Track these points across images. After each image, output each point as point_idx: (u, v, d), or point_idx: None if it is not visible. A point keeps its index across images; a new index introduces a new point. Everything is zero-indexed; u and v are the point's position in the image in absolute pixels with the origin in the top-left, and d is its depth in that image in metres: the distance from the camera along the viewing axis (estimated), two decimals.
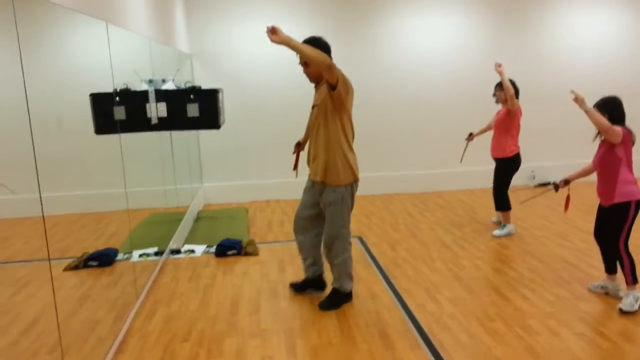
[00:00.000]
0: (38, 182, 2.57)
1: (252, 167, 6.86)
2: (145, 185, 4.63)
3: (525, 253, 4.55)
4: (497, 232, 5.04)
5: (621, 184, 3.41)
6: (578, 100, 3.41)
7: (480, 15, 6.87)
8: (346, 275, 3.58)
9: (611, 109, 3.40)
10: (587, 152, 7.15)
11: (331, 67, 3.10)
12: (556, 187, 3.91)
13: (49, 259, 2.87)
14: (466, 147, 5.46)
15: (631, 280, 3.40)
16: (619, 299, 3.48)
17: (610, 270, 3.59)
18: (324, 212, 3.51)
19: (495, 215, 5.46)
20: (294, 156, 3.93)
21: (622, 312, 3.34)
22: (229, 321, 3.44)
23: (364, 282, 4.02)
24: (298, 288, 3.84)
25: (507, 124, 4.92)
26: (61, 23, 2.96)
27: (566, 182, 3.83)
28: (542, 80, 6.97)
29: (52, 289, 2.86)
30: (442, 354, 2.96)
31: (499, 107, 5.14)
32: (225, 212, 6.35)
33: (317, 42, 3.27)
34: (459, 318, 3.39)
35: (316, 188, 3.51)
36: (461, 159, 5.52)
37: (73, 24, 3.09)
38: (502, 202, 5.07)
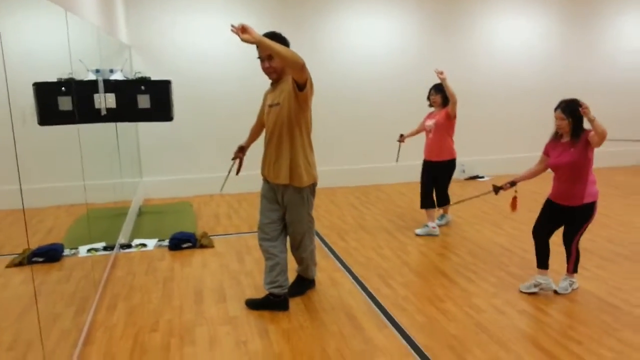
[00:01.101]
0: None
1: (194, 161, 6.78)
2: (82, 179, 4.46)
3: (465, 240, 4.91)
4: (420, 231, 5.13)
5: (590, 185, 3.51)
6: (586, 111, 3.32)
7: (416, 18, 7.25)
8: (312, 263, 3.69)
9: (576, 110, 3.43)
10: (511, 147, 7.85)
11: (304, 67, 2.99)
12: (496, 191, 3.89)
13: None
14: (399, 147, 5.55)
15: (572, 270, 3.73)
16: (553, 291, 3.69)
17: (544, 265, 3.71)
18: (287, 212, 3.43)
19: (430, 218, 5.23)
20: (234, 162, 3.77)
21: (557, 294, 3.68)
22: (195, 311, 3.45)
23: (324, 270, 4.16)
24: (295, 293, 3.69)
25: (447, 127, 5.04)
26: (13, 5, 2.82)
27: (512, 183, 3.81)
28: (471, 80, 7.49)
29: None
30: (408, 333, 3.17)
31: (430, 108, 5.28)
32: (169, 207, 6.23)
33: (279, 38, 3.17)
34: (413, 300, 3.62)
35: (277, 190, 3.40)
36: (397, 159, 5.63)
37: (26, 8, 2.94)
38: (445, 199, 5.26)
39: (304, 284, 3.75)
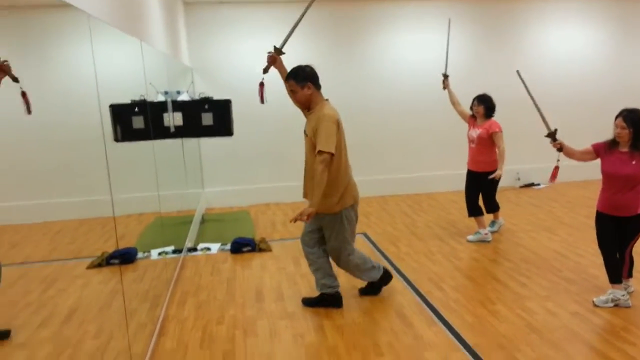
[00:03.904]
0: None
1: (250, 172, 7.14)
2: (152, 190, 4.85)
3: (518, 246, 4.94)
4: (472, 237, 5.17)
5: None
6: None
7: (466, 29, 7.33)
8: (364, 270, 3.77)
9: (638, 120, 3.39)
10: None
11: (325, 169, 3.28)
12: (552, 136, 3.83)
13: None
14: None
15: (627, 275, 3.65)
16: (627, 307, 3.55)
17: (617, 279, 3.58)
18: (323, 230, 3.61)
19: (480, 225, 5.22)
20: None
21: (595, 306, 3.56)
22: (257, 307, 3.72)
23: None
24: (367, 292, 3.87)
25: (491, 142, 5.01)
26: (92, 34, 3.19)
27: (561, 147, 3.74)
28: (520, 89, 7.43)
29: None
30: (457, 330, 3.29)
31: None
32: (228, 215, 6.61)
33: (302, 71, 3.44)
34: (463, 302, 3.72)
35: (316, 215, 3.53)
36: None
37: (103, 37, 3.32)
38: (493, 206, 5.30)
39: (374, 285, 3.86)
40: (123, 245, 4.22)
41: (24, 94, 2.36)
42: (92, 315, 3.60)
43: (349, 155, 3.63)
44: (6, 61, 2.37)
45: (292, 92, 3.51)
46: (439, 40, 7.28)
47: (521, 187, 7.56)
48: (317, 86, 3.50)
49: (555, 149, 3.80)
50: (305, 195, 3.63)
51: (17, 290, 3.96)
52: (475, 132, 5.08)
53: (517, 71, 4.20)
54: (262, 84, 3.78)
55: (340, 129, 3.44)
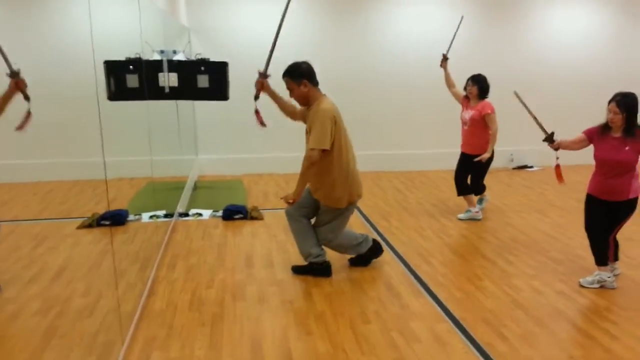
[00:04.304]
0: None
1: (245, 141, 7.08)
2: (143, 154, 4.81)
3: (508, 225, 4.97)
4: (462, 215, 5.19)
5: (635, 179, 3.44)
6: None
7: (469, 5, 7.24)
8: (349, 247, 3.82)
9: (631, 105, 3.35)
10: (562, 137, 7.71)
11: (311, 165, 3.37)
12: (550, 139, 3.80)
13: None
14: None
15: (612, 259, 3.66)
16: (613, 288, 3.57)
17: (603, 261, 3.59)
18: (319, 212, 3.68)
19: (470, 204, 5.24)
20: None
21: (581, 286, 3.59)
22: (246, 272, 3.75)
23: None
24: (359, 262, 3.91)
25: (484, 124, 4.95)
26: None
27: (559, 146, 3.72)
28: (524, 68, 7.41)
29: None
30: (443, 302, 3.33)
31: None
32: (221, 183, 6.60)
33: (297, 68, 3.48)
34: (451, 277, 3.77)
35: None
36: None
37: None
38: (480, 188, 5.26)
39: (363, 256, 3.88)
40: (114, 207, 4.21)
41: (28, 114, 2.33)
42: (81, 274, 3.62)
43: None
44: (23, 78, 2.39)
45: (289, 90, 3.53)
46: (443, 12, 7.19)
47: (514, 168, 7.58)
48: (314, 82, 3.49)
49: (553, 149, 3.76)
50: (314, 193, 3.62)
51: (6, 246, 3.96)
52: (468, 114, 5.01)
53: (515, 92, 4.15)
54: (257, 112, 3.76)
55: (338, 124, 3.43)
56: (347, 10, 7.01)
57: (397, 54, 7.20)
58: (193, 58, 5.10)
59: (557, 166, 3.82)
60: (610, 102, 3.40)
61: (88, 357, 2.64)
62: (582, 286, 3.60)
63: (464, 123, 5.11)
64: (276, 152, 7.00)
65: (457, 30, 5.51)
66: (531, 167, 7.55)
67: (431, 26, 7.20)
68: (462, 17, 5.67)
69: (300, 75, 3.44)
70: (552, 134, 3.80)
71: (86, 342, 2.76)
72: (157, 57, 4.68)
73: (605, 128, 3.48)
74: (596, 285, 3.58)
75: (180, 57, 5.03)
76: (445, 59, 5.45)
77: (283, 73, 3.51)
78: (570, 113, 7.53)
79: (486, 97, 5.01)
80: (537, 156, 7.56)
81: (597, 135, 3.53)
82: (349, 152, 3.56)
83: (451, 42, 5.51)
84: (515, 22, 7.42)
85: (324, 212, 3.63)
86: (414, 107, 7.37)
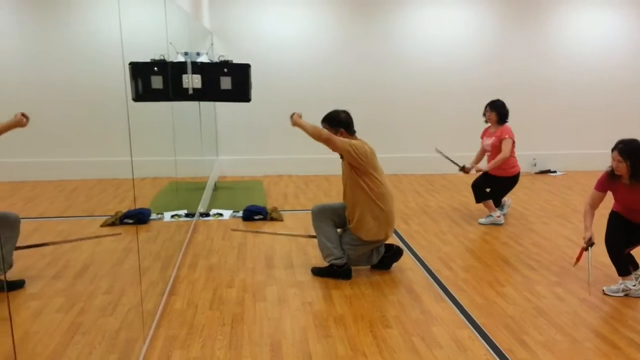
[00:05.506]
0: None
1: (265, 143, 7.13)
2: (167, 154, 4.87)
3: (530, 231, 4.91)
4: (483, 220, 5.15)
5: None
6: None
7: (490, 8, 7.17)
8: (367, 259, 3.83)
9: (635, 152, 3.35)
10: (585, 142, 7.61)
11: (328, 141, 3.46)
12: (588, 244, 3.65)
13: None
14: (461, 168, 5.33)
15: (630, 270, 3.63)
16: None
17: (626, 272, 3.57)
18: (345, 237, 3.72)
19: (491, 209, 5.17)
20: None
21: (604, 294, 3.54)
22: (266, 273, 3.76)
23: None
24: (380, 266, 3.90)
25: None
26: None
27: (592, 241, 3.60)
28: (546, 72, 7.31)
29: None
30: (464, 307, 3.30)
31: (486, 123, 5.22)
32: (241, 184, 6.64)
33: (336, 116, 3.65)
34: (472, 282, 3.72)
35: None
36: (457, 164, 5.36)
37: None
38: (498, 203, 5.23)
39: (384, 260, 3.86)
40: (137, 206, 4.27)
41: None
42: (104, 271, 3.67)
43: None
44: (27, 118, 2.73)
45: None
46: (463, 17, 7.15)
47: (537, 173, 7.48)
48: (351, 132, 3.66)
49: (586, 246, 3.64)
50: (349, 222, 3.68)
51: (32, 243, 4.03)
52: (489, 141, 5.11)
53: (437, 148, 4.46)
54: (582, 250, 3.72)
55: (370, 158, 3.54)
56: (365, 9, 7.00)
57: (415, 56, 7.17)
58: (216, 60, 5.15)
59: (582, 250, 3.69)
60: (613, 150, 3.38)
61: (110, 354, 2.68)
62: (606, 294, 3.53)
63: (486, 151, 5.19)
64: (296, 154, 7.02)
65: (448, 158, 5.32)
66: (554, 172, 7.44)
67: (452, 30, 7.15)
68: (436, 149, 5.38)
69: (338, 124, 3.62)
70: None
71: (108, 339, 2.79)
72: (181, 58, 4.74)
73: (612, 176, 3.48)
74: (621, 294, 3.53)
75: (203, 59, 5.08)
76: (465, 170, 5.31)
77: (322, 118, 3.68)
78: (593, 117, 7.42)
79: (506, 122, 5.07)
80: (561, 161, 7.46)
81: (608, 184, 3.54)
82: (383, 192, 3.60)
83: (450, 160, 5.33)
84: (537, 24, 7.32)
85: (349, 234, 3.69)
86: (433, 110, 7.33)
